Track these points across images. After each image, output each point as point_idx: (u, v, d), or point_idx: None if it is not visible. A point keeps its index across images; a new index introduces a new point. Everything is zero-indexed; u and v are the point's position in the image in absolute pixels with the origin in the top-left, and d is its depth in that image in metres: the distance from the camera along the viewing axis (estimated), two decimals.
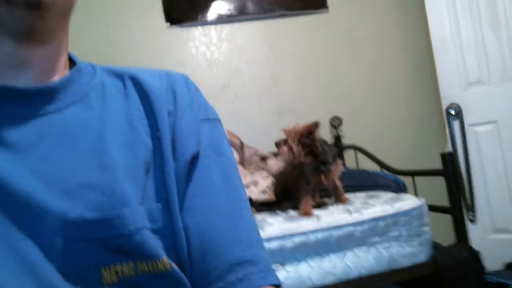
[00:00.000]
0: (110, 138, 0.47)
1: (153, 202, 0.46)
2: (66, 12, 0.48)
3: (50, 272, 0.38)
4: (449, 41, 2.34)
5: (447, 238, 2.01)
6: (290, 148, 1.48)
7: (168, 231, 0.47)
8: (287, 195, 1.67)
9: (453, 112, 2.33)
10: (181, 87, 0.55)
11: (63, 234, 0.39)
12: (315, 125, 1.50)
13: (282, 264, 1.37)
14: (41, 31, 0.45)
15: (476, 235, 2.24)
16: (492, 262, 2.09)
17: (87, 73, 0.52)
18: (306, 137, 1.48)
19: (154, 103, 0.51)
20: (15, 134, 0.42)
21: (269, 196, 1.88)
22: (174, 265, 0.45)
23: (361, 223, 1.40)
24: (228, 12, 2.48)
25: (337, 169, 1.55)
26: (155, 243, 0.44)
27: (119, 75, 0.54)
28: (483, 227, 2.31)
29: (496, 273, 2.08)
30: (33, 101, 0.45)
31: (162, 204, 0.47)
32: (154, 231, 0.45)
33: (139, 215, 0.43)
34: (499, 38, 2.25)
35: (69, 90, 0.48)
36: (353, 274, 1.40)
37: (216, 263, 0.48)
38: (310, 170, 1.51)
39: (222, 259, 0.48)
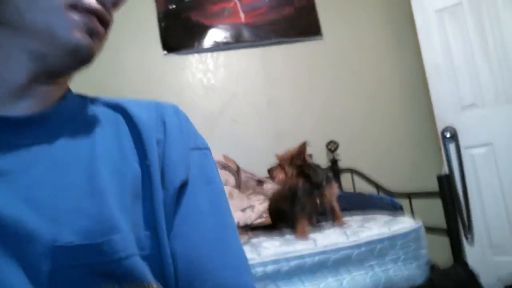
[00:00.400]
0: (101, 165, 0.47)
1: (141, 229, 0.47)
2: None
3: None
4: (442, 66, 2.39)
5: (445, 258, 1.99)
6: (283, 170, 1.49)
7: (156, 258, 0.47)
8: (283, 218, 1.67)
9: (448, 135, 2.35)
10: (170, 116, 0.57)
11: (52, 260, 0.40)
12: (304, 145, 1.55)
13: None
14: (65, 76, 0.50)
15: (474, 256, 2.22)
16: (491, 283, 2.06)
17: (78, 102, 0.54)
18: (297, 157, 1.52)
19: (143, 133, 0.52)
20: (5, 162, 0.43)
21: (265, 219, 1.87)
22: None
23: (358, 246, 1.39)
24: (224, 40, 2.53)
25: (332, 192, 1.55)
26: (144, 269, 0.45)
27: (110, 106, 0.56)
28: (481, 248, 2.30)
29: None
30: (24, 129, 0.46)
31: (151, 232, 0.48)
32: (142, 257, 0.45)
33: (129, 242, 0.44)
34: (489, 62, 2.30)
35: (60, 118, 0.50)
36: None
37: None
38: (304, 193, 1.52)
39: (209, 284, 0.49)
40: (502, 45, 2.26)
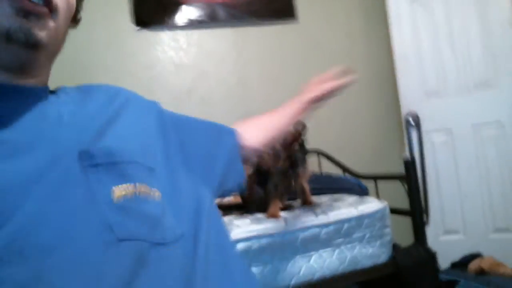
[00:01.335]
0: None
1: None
2: (54, 54, 0.57)
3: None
4: (410, 54, 2.48)
5: (404, 238, 2.10)
6: (275, 154, 1.43)
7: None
8: (253, 198, 1.67)
9: (411, 121, 2.45)
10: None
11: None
12: (304, 127, 1.48)
13: (249, 265, 1.39)
14: (32, 68, 0.53)
15: (429, 236, 2.37)
16: (441, 261, 2.22)
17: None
18: (296, 142, 1.46)
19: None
20: None
21: (234, 198, 1.89)
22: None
23: (326, 225, 1.45)
24: (198, 18, 2.49)
25: (305, 173, 1.56)
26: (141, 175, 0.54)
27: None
28: (435, 229, 2.44)
29: (444, 272, 2.21)
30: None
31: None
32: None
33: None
34: (454, 53, 2.40)
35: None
36: (318, 274, 1.44)
37: None
38: (278, 173, 1.52)
39: None
40: (466, 36, 2.37)
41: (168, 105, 2.62)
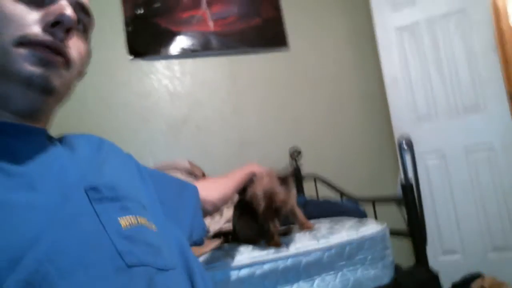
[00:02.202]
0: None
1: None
2: (61, 100, 0.61)
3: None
4: (400, 80, 2.54)
5: (405, 259, 2.10)
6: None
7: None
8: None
9: (404, 144, 2.49)
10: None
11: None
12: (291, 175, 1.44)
13: None
14: (41, 113, 0.58)
15: (428, 257, 2.37)
16: (441, 281, 2.22)
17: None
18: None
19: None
20: None
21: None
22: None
23: (328, 248, 1.45)
24: (191, 47, 2.54)
25: (291, 197, 1.46)
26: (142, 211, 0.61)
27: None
28: (433, 250, 2.45)
29: None
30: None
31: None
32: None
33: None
34: (443, 78, 2.48)
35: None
36: None
37: None
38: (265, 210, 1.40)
39: None
40: (453, 62, 2.45)
41: (164, 134, 2.65)
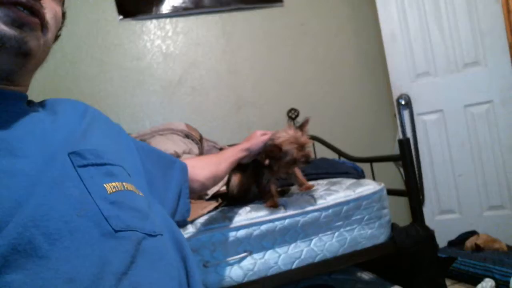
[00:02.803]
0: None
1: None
2: (38, 66, 0.60)
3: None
4: (398, 35, 2.47)
5: (402, 218, 2.12)
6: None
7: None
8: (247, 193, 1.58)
9: (403, 102, 2.46)
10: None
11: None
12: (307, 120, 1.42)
13: (250, 252, 1.39)
14: (18, 76, 0.57)
15: (425, 216, 2.40)
16: (438, 240, 2.26)
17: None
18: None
19: None
20: None
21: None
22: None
23: (325, 208, 1.45)
24: (183, 5, 2.45)
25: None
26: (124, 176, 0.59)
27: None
28: (431, 208, 2.47)
29: (441, 250, 2.24)
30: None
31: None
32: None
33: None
34: (442, 32, 2.41)
35: None
36: (318, 257, 1.45)
37: None
38: (270, 167, 1.41)
39: None
40: (453, 15, 2.37)
41: (159, 95, 2.60)
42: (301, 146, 1.33)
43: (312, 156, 1.39)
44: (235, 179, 1.51)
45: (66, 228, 0.45)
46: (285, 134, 1.33)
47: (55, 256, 0.43)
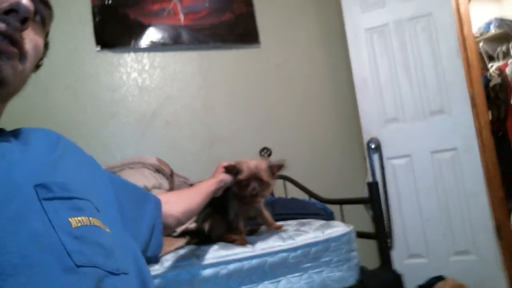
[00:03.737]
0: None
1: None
2: (14, 93, 0.59)
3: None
4: (369, 81, 2.57)
5: (370, 261, 2.12)
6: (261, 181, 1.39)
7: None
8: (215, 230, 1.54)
9: (373, 146, 2.52)
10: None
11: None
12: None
13: None
14: None
15: (394, 260, 2.41)
16: (407, 285, 2.26)
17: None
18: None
19: None
20: None
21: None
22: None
23: (294, 249, 1.44)
24: (162, 40, 2.48)
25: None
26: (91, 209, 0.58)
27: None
28: (400, 252, 2.49)
29: None
30: None
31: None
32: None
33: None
34: (410, 81, 2.52)
35: None
36: None
37: None
38: (238, 201, 1.45)
39: None
40: (421, 65, 2.49)
41: (132, 128, 2.58)
42: (256, 175, 1.37)
43: (264, 193, 1.43)
44: (205, 215, 1.49)
45: (23, 263, 0.43)
46: (249, 160, 1.40)
47: None
